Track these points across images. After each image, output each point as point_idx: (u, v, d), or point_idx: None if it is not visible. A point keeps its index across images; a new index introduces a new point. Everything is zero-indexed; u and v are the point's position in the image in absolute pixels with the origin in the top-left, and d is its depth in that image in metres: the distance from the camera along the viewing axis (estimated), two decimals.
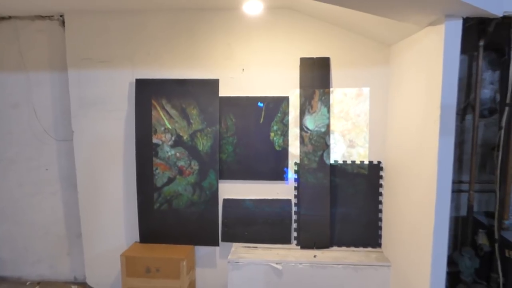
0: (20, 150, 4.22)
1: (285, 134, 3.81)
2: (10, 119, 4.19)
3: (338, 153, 3.79)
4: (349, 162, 3.74)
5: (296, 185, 3.81)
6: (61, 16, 3.92)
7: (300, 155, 3.75)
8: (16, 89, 4.13)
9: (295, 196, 3.82)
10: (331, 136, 3.75)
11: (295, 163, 3.79)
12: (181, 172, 3.88)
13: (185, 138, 3.85)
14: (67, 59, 3.88)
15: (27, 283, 4.35)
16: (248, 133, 3.83)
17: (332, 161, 3.73)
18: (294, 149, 3.81)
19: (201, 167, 3.86)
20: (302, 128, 3.74)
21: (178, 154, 3.87)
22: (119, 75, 3.86)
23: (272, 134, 3.82)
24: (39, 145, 4.19)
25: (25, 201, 4.29)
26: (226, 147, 3.86)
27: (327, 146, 3.72)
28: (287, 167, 3.83)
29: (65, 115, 4.06)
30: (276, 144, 3.82)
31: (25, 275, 4.41)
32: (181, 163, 3.88)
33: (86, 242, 4.10)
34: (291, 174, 3.84)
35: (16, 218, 4.33)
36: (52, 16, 3.95)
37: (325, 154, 3.72)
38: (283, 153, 3.82)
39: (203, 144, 3.83)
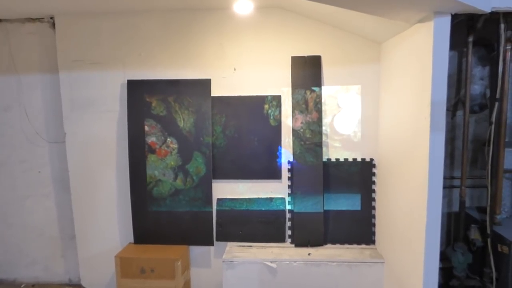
0: (12, 153, 4.21)
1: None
2: (1, 122, 4.17)
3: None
4: (342, 159, 3.75)
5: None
6: (51, 18, 3.90)
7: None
8: (7, 92, 4.11)
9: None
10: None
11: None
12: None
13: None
14: (58, 61, 3.87)
15: (22, 286, 4.34)
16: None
17: (324, 159, 3.73)
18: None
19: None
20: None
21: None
22: (111, 77, 3.85)
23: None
24: (31, 148, 4.17)
25: (18, 203, 4.28)
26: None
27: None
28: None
29: (57, 117, 4.04)
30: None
31: (20, 277, 4.40)
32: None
33: (80, 243, 4.09)
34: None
35: (10, 220, 4.31)
36: (42, 18, 3.93)
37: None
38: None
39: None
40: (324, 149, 3.71)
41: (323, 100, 3.68)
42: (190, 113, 3.75)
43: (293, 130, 3.70)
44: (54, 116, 4.08)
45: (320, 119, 3.66)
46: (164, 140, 3.75)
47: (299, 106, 3.66)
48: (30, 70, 4.05)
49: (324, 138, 3.71)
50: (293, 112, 3.69)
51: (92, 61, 3.85)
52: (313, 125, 3.65)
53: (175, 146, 3.77)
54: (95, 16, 3.79)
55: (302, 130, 3.67)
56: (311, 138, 3.66)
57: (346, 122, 3.72)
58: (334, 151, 3.76)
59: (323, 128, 3.70)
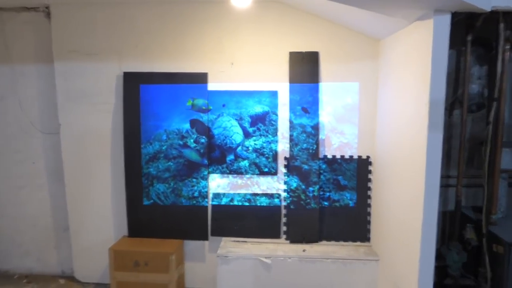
0: (6, 143, 4.17)
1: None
2: None
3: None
4: (338, 156, 3.73)
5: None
6: (46, 7, 3.85)
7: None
8: (1, 82, 4.07)
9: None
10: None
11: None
12: None
13: None
14: (53, 51, 3.83)
15: (15, 277, 4.31)
16: None
17: (321, 156, 3.72)
18: None
19: None
20: None
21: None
22: (107, 68, 3.82)
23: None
24: (26, 138, 4.14)
25: (12, 194, 4.25)
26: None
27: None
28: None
29: (51, 108, 4.00)
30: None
31: (13, 268, 4.38)
32: None
33: (73, 235, 4.07)
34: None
35: (3, 211, 4.28)
36: (37, 7, 3.88)
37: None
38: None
39: None
40: (320, 146, 3.70)
41: (320, 97, 3.67)
42: None
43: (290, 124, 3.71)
44: (49, 107, 4.04)
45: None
46: None
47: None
48: (25, 59, 4.00)
49: (321, 134, 3.69)
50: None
51: (88, 52, 3.80)
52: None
53: None
54: (91, 6, 3.74)
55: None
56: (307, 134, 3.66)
57: (343, 119, 3.70)
58: (331, 148, 3.74)
59: (320, 125, 3.68)
